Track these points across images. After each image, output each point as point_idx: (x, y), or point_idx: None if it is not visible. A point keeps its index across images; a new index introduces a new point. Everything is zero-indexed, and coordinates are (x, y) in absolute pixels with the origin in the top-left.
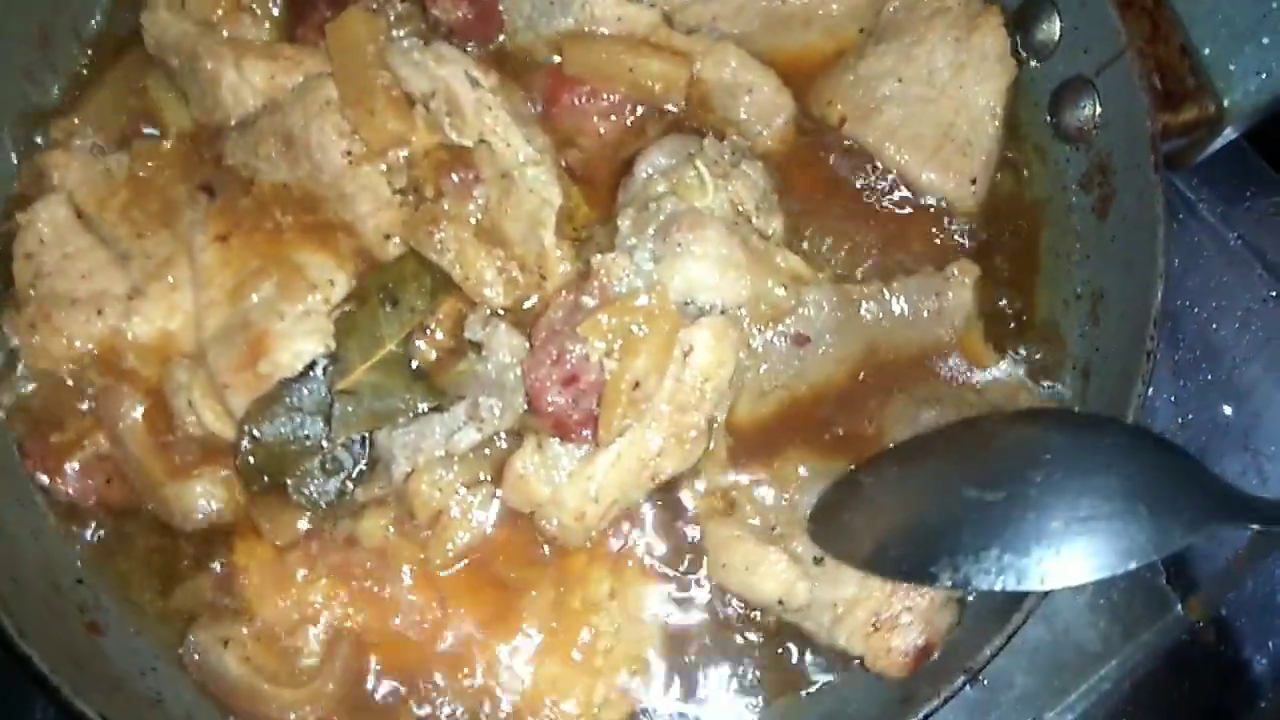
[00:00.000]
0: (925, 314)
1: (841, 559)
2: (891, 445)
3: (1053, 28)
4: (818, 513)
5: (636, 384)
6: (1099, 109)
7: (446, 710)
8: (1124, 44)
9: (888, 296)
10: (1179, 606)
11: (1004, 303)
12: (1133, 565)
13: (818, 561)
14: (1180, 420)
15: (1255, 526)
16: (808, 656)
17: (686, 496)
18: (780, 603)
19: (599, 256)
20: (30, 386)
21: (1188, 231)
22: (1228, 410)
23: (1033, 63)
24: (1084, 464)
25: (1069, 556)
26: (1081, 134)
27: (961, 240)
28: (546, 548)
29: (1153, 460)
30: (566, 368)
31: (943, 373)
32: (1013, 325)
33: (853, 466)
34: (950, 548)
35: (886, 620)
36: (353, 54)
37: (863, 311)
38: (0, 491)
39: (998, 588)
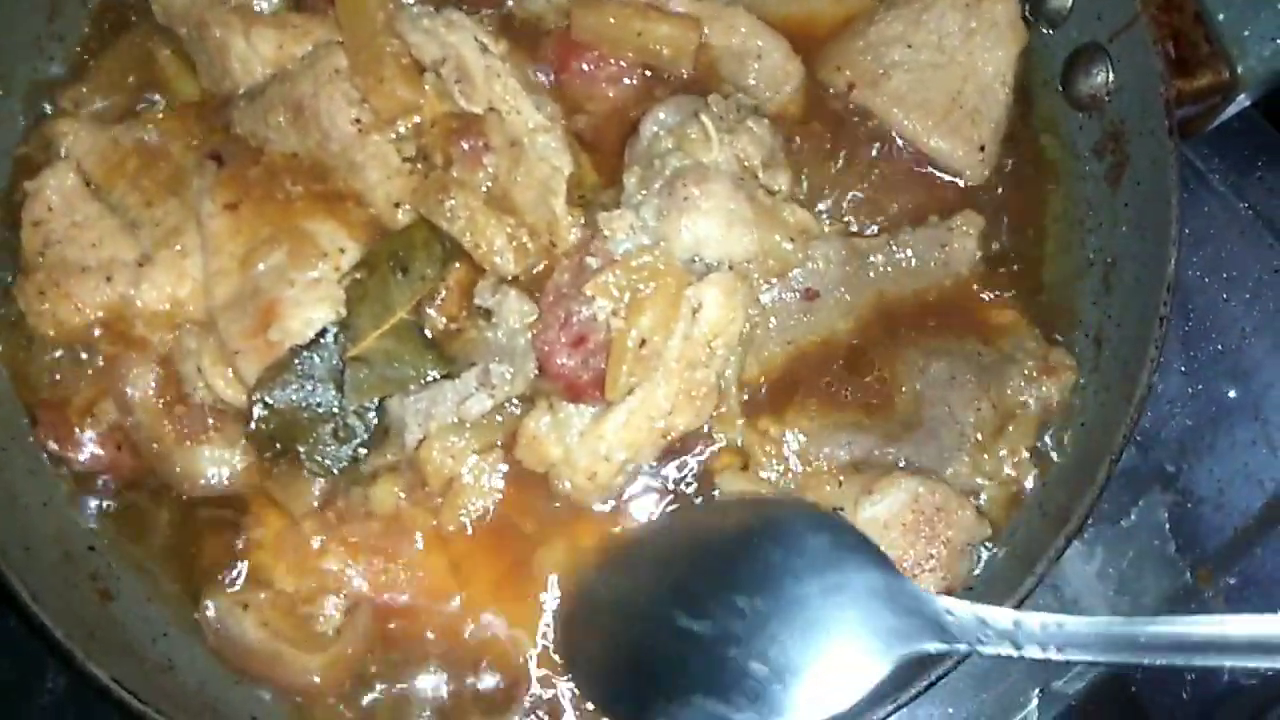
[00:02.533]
0: (931, 264)
1: (583, 694)
2: (631, 532)
3: None
4: (560, 628)
5: (643, 341)
6: (1112, 76)
7: (465, 677)
8: (1137, 10)
9: (894, 248)
10: (1188, 575)
11: (1015, 267)
12: (835, 711)
13: (837, 511)
14: (1190, 390)
15: (944, 646)
16: None
17: (699, 453)
18: None
19: (603, 214)
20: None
21: (1198, 202)
22: (1238, 381)
23: (1044, 29)
24: (784, 589)
25: (769, 708)
26: (1094, 101)
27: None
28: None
29: (853, 578)
30: (574, 329)
31: (950, 324)
32: (1023, 286)
33: (595, 562)
34: (665, 690)
35: (909, 569)
36: (362, 21)
37: (870, 264)
38: (11, 460)
39: None
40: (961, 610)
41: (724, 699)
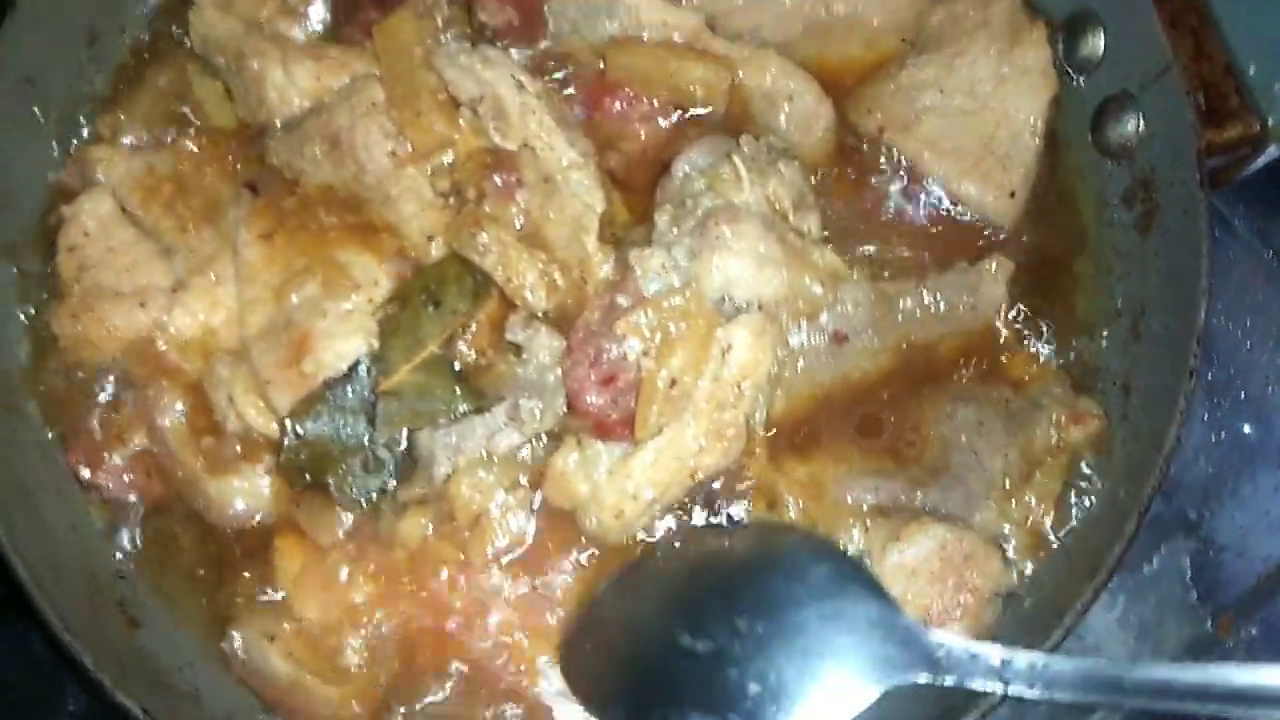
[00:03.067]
0: (960, 309)
1: (579, 701)
2: (634, 561)
3: (1097, 43)
4: (567, 640)
5: (673, 382)
6: (1142, 125)
7: (492, 708)
8: (1169, 61)
9: (923, 293)
10: (1209, 624)
11: (1043, 313)
12: None
13: (863, 558)
14: (1213, 437)
15: (931, 678)
16: None
17: (726, 492)
18: None
19: (634, 252)
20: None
21: (1223, 248)
22: (1261, 428)
23: (1075, 78)
24: (781, 614)
25: None
26: (1124, 149)
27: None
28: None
29: (847, 606)
30: (604, 367)
31: (978, 370)
32: (1051, 333)
33: (599, 588)
34: (667, 705)
35: (936, 616)
36: (400, 57)
37: (898, 308)
38: (42, 485)
39: None
40: (953, 644)
41: (721, 717)
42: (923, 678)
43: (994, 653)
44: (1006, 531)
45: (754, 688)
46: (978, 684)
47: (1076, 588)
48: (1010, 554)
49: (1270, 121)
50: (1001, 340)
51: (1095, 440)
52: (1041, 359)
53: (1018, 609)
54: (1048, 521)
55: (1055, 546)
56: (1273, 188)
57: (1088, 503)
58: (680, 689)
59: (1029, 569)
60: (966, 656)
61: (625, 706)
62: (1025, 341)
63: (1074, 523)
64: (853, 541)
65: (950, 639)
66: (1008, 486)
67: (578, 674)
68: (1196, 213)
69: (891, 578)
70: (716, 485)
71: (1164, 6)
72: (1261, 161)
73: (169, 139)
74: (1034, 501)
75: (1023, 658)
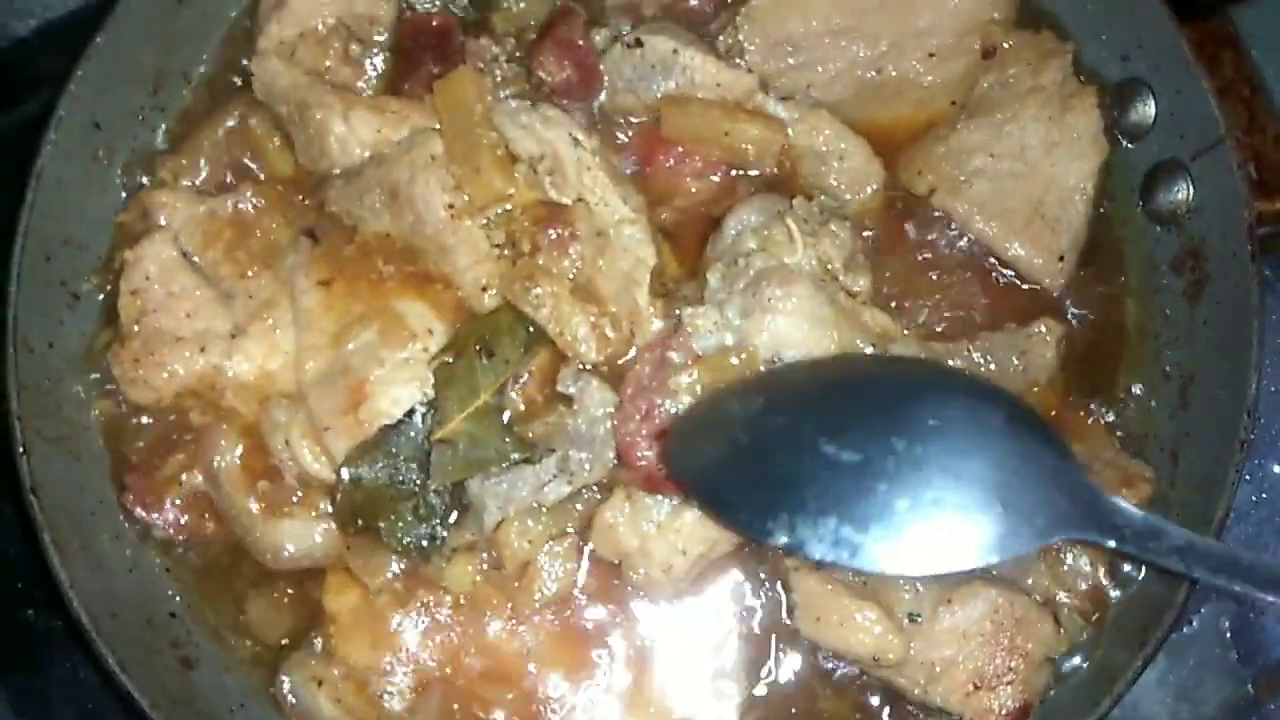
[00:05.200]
0: (1010, 370)
1: (683, 488)
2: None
3: (1148, 111)
4: (680, 429)
5: None
6: (1192, 194)
7: None
8: (1222, 132)
9: (972, 353)
10: (1249, 686)
11: (1092, 376)
12: (972, 565)
13: (913, 618)
14: (1254, 498)
15: (1110, 543)
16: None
17: (773, 550)
18: (874, 659)
19: (688, 310)
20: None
21: (1266, 310)
22: None
23: (1126, 144)
24: (949, 442)
25: (906, 543)
26: (1174, 217)
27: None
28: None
29: (1025, 449)
30: (655, 422)
31: None
32: (1100, 396)
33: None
34: (792, 505)
35: (988, 680)
36: (461, 112)
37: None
38: (99, 527)
39: (830, 559)
40: (1134, 514)
41: (861, 527)
42: (1100, 540)
43: (1178, 533)
44: (1059, 596)
45: (903, 503)
46: (1157, 559)
47: (1127, 658)
48: (1063, 618)
49: None
50: (1051, 400)
51: (1145, 504)
52: (1090, 420)
53: (1069, 676)
54: (1102, 587)
55: (1107, 613)
56: None
57: (1136, 571)
58: (815, 493)
59: (1082, 635)
60: (1149, 529)
61: (747, 503)
62: (1074, 402)
63: (1123, 590)
64: (902, 603)
65: (1131, 509)
66: (1058, 550)
67: (689, 464)
68: (1248, 285)
69: (943, 640)
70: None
71: (1216, 76)
72: None
73: (230, 184)
74: (1087, 566)
75: (1207, 544)
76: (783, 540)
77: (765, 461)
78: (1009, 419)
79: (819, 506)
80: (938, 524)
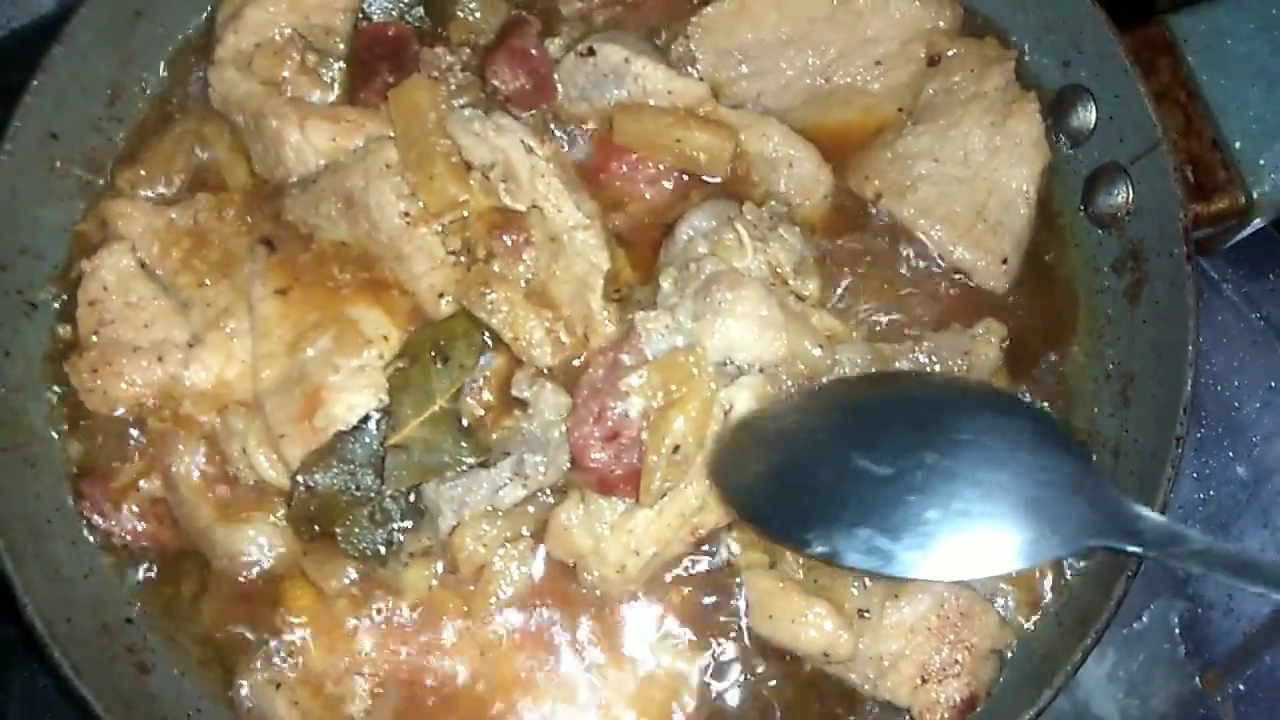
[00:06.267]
0: (955, 371)
1: (727, 504)
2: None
3: (1088, 116)
4: (720, 449)
5: (676, 448)
6: (1132, 196)
7: None
8: (1159, 136)
9: (918, 354)
10: (1197, 680)
11: (1035, 376)
12: (1002, 571)
13: (861, 614)
14: (1202, 496)
15: (1134, 549)
16: None
17: (728, 549)
18: (825, 655)
19: (640, 314)
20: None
21: (1211, 310)
22: (1249, 488)
23: (1067, 148)
24: (978, 455)
25: (937, 551)
26: (1114, 219)
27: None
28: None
29: (1050, 460)
30: (608, 424)
31: None
32: (1042, 395)
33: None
34: (829, 516)
35: (935, 673)
36: (414, 120)
37: (895, 368)
38: (55, 533)
39: (865, 568)
40: (1156, 520)
41: (894, 536)
42: (1122, 545)
43: (1198, 537)
44: (1002, 589)
45: (933, 514)
46: (1180, 563)
47: (1066, 650)
48: (1005, 612)
49: (1256, 194)
50: None
51: None
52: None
53: (1009, 669)
54: (1045, 582)
55: (1049, 606)
56: (1260, 253)
57: (1080, 563)
58: (849, 505)
59: (1024, 627)
60: (1169, 535)
61: (784, 517)
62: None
63: (1066, 582)
64: (851, 599)
65: (1152, 515)
66: None
67: (728, 481)
68: (1184, 286)
69: (891, 635)
70: (718, 542)
71: (1153, 81)
72: (1248, 232)
73: (187, 194)
74: None
75: (1223, 548)
76: (820, 550)
77: (801, 476)
78: (1034, 431)
79: (853, 518)
80: (967, 533)
